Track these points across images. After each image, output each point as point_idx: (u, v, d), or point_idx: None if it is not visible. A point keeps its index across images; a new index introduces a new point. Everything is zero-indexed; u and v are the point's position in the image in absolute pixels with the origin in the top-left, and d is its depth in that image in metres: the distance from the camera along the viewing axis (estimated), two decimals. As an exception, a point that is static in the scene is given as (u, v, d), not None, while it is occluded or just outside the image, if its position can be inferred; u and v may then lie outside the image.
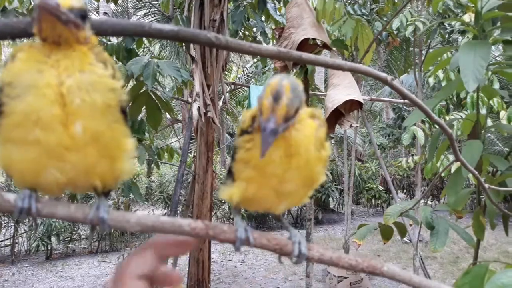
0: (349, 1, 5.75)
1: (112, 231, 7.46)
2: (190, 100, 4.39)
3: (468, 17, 4.43)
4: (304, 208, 10.27)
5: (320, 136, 0.46)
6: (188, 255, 3.90)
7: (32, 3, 4.09)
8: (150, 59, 2.32)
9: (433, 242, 1.84)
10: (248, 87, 4.73)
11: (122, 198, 7.70)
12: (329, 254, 0.46)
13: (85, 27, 0.40)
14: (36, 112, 0.36)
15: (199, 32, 0.51)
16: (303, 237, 0.49)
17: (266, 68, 5.90)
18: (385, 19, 5.46)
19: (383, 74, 0.71)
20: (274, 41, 6.25)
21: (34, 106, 0.36)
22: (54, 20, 0.38)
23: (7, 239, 8.32)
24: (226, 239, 0.42)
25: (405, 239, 7.89)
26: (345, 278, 5.65)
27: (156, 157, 4.56)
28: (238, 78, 11.08)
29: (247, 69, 11.55)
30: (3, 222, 8.08)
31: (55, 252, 8.32)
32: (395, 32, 5.32)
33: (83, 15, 0.40)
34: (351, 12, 4.42)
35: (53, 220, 8.50)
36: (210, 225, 0.41)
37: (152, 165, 4.45)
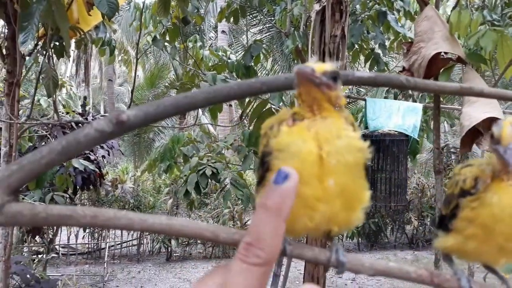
0: (476, 7, 5.33)
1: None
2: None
3: None
4: (420, 228, 9.64)
5: None
6: (303, 270, 3.91)
7: (164, 27, 4.54)
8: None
9: None
10: (364, 100, 4.63)
11: (236, 207, 8.04)
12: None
13: (336, 87, 0.45)
14: (298, 172, 0.42)
15: (392, 76, 0.54)
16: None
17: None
18: (519, 23, 4.93)
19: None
20: (392, 52, 6.03)
21: (297, 167, 0.42)
22: (309, 84, 0.44)
23: (134, 239, 9.21)
24: None
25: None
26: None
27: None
28: (349, 89, 10.89)
29: (358, 81, 11.31)
30: (132, 224, 8.98)
31: (174, 254, 8.97)
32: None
33: (335, 77, 0.45)
34: (480, 18, 4.08)
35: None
36: (434, 273, 0.43)
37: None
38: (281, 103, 2.89)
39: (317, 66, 0.44)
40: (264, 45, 5.31)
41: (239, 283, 0.37)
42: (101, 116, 6.57)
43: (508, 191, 0.46)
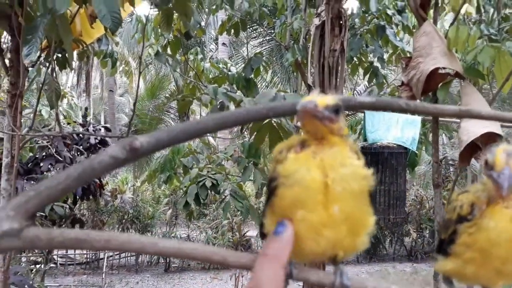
0: (473, 20, 5.39)
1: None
2: (299, 124, 4.48)
3: None
4: (419, 240, 9.61)
5: None
6: (303, 283, 3.90)
7: (166, 39, 4.58)
8: (277, 93, 2.45)
9: None
10: (363, 112, 4.66)
11: (235, 218, 8.02)
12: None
13: (338, 119, 0.47)
14: (302, 200, 0.45)
15: (392, 100, 0.56)
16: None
17: (382, 93, 5.76)
18: (517, 37, 4.99)
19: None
20: (390, 64, 6.08)
21: (301, 195, 0.45)
22: (312, 119, 0.46)
23: (133, 249, 9.17)
24: None
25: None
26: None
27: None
28: (348, 101, 10.93)
29: (358, 92, 11.38)
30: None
31: (173, 265, 8.93)
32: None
33: (337, 109, 0.47)
34: (478, 34, 4.14)
35: (172, 235, 9.16)
36: None
37: (261, 187, 4.60)
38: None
39: (319, 100, 0.46)
40: (264, 58, 5.37)
41: None
42: (102, 126, 6.59)
43: (503, 216, 0.47)
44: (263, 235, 0.50)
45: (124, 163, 0.42)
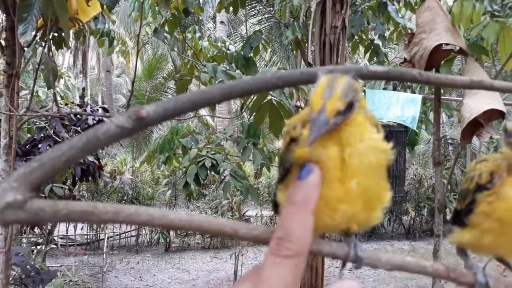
0: (475, -3, 5.31)
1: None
2: (299, 104, 4.44)
3: None
4: (417, 218, 9.71)
5: None
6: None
7: (163, 17, 4.50)
8: (277, 71, 2.41)
9: None
10: (364, 91, 4.63)
11: (235, 198, 8.06)
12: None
13: (351, 113, 0.43)
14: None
15: (405, 70, 0.54)
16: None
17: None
18: (519, 14, 4.92)
19: None
20: (391, 42, 6.01)
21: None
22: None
23: (133, 230, 9.26)
24: (465, 282, 0.44)
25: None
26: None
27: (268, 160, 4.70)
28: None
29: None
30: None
31: (173, 245, 9.02)
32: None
33: (350, 105, 0.42)
34: (483, 9, 4.08)
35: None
36: (450, 268, 0.43)
37: (260, 168, 4.60)
38: (281, 95, 2.89)
39: (328, 106, 0.41)
40: (263, 36, 5.28)
41: (273, 277, 0.37)
42: (100, 107, 6.55)
43: None
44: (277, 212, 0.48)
45: (130, 133, 0.40)
